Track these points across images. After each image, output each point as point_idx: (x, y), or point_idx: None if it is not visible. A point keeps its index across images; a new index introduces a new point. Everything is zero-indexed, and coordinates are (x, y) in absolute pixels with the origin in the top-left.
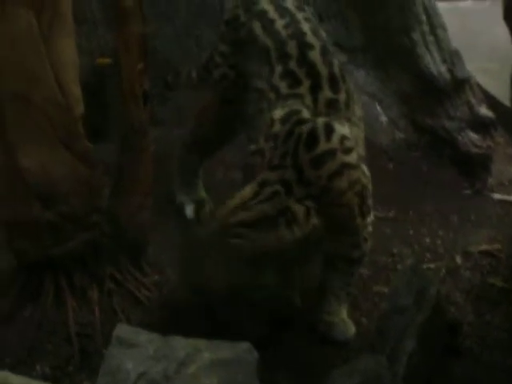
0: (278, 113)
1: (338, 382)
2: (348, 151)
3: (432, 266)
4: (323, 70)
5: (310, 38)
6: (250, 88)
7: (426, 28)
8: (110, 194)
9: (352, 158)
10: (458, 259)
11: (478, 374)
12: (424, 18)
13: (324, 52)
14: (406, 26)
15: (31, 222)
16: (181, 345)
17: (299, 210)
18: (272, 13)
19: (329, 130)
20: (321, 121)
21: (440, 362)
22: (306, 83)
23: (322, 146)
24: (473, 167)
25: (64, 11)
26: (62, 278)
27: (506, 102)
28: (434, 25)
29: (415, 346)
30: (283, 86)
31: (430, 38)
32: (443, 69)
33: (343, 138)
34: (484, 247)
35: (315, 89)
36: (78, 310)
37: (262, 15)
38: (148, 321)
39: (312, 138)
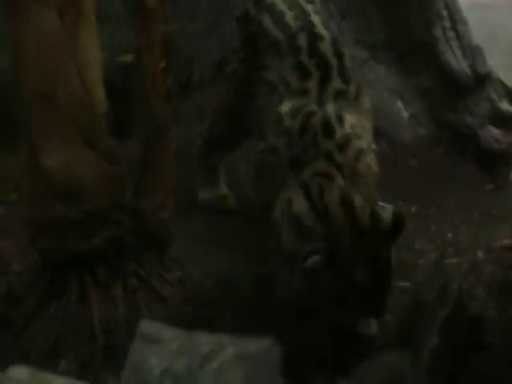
0: (285, 107)
1: (362, 377)
2: (360, 137)
3: (454, 261)
4: (334, 61)
5: (321, 29)
6: (261, 81)
7: (447, 24)
8: (133, 190)
9: (364, 143)
10: (480, 254)
11: (501, 369)
12: (445, 13)
13: (335, 43)
14: (427, 22)
15: (55, 220)
16: (204, 340)
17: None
18: (281, 5)
19: (340, 118)
20: (330, 110)
21: (463, 357)
22: (316, 75)
23: (339, 132)
24: (494, 162)
25: (87, 11)
26: (85, 274)
27: None
28: (455, 20)
29: (437, 341)
30: (293, 79)
31: (451, 34)
32: (464, 64)
33: (353, 125)
34: (506, 242)
35: (325, 80)
36: (102, 307)
37: (272, 8)
38: (171, 316)
39: (327, 127)
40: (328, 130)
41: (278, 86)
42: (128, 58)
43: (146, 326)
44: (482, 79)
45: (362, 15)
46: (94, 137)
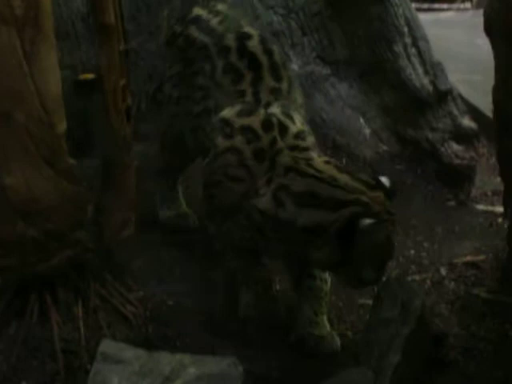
0: (229, 112)
1: None
2: (310, 134)
3: (417, 277)
4: (264, 60)
5: (247, 28)
6: (194, 87)
7: (408, 40)
8: (94, 209)
9: (313, 139)
10: (443, 271)
11: None
12: (406, 30)
13: (263, 41)
14: (388, 39)
15: (15, 239)
16: (166, 360)
17: None
18: (205, 15)
19: (290, 117)
20: (279, 110)
21: (425, 375)
22: (248, 76)
23: (294, 128)
24: (456, 178)
25: (46, 28)
26: (46, 294)
27: (489, 113)
28: (416, 37)
29: (400, 358)
30: (227, 83)
31: (412, 51)
32: (426, 81)
33: (302, 122)
34: (468, 258)
35: (258, 80)
36: (62, 327)
37: (196, 19)
38: (133, 336)
39: (281, 125)
40: (282, 127)
41: (213, 91)
42: (90, 76)
43: (108, 346)
44: (443, 95)
45: (323, 32)
46: (53, 156)
